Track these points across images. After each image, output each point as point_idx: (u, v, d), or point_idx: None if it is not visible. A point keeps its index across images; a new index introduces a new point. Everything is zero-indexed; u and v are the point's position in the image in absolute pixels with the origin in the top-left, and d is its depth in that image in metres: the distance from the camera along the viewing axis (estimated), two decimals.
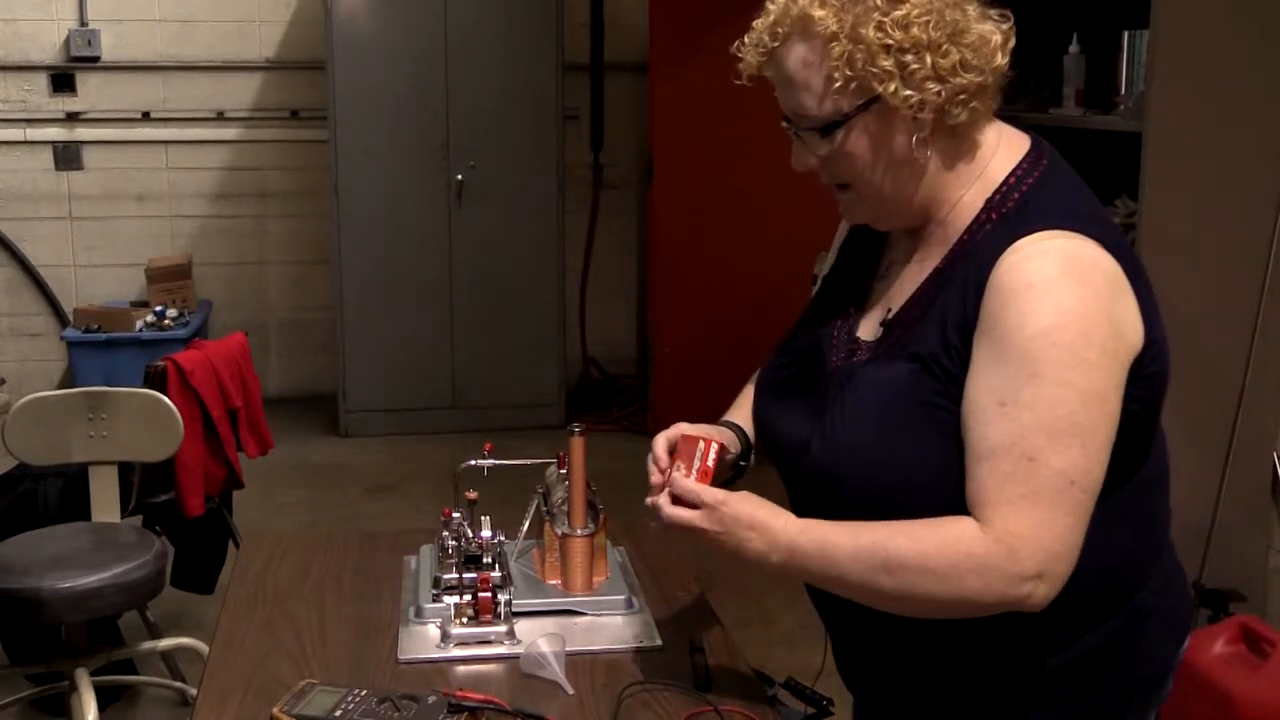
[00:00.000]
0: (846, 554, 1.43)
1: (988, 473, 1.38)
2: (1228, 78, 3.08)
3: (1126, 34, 3.41)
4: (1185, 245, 3.09)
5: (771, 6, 1.47)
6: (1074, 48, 3.63)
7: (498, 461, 2.07)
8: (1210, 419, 3.17)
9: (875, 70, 1.40)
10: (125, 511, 3.36)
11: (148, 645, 3.37)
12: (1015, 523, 1.35)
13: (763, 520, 1.50)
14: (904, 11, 1.40)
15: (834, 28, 1.40)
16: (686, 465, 1.58)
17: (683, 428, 1.64)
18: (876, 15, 1.40)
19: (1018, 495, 1.36)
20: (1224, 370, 3.15)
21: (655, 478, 1.61)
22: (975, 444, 1.39)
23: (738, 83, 1.54)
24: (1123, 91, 3.44)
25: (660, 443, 1.64)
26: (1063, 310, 1.36)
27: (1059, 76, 3.67)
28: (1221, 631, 2.86)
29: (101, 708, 3.05)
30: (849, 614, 1.56)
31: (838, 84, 1.42)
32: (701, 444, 1.58)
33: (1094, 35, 3.63)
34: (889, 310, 1.54)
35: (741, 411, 1.76)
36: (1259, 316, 3.14)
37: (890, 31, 1.39)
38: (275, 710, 1.61)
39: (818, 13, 1.41)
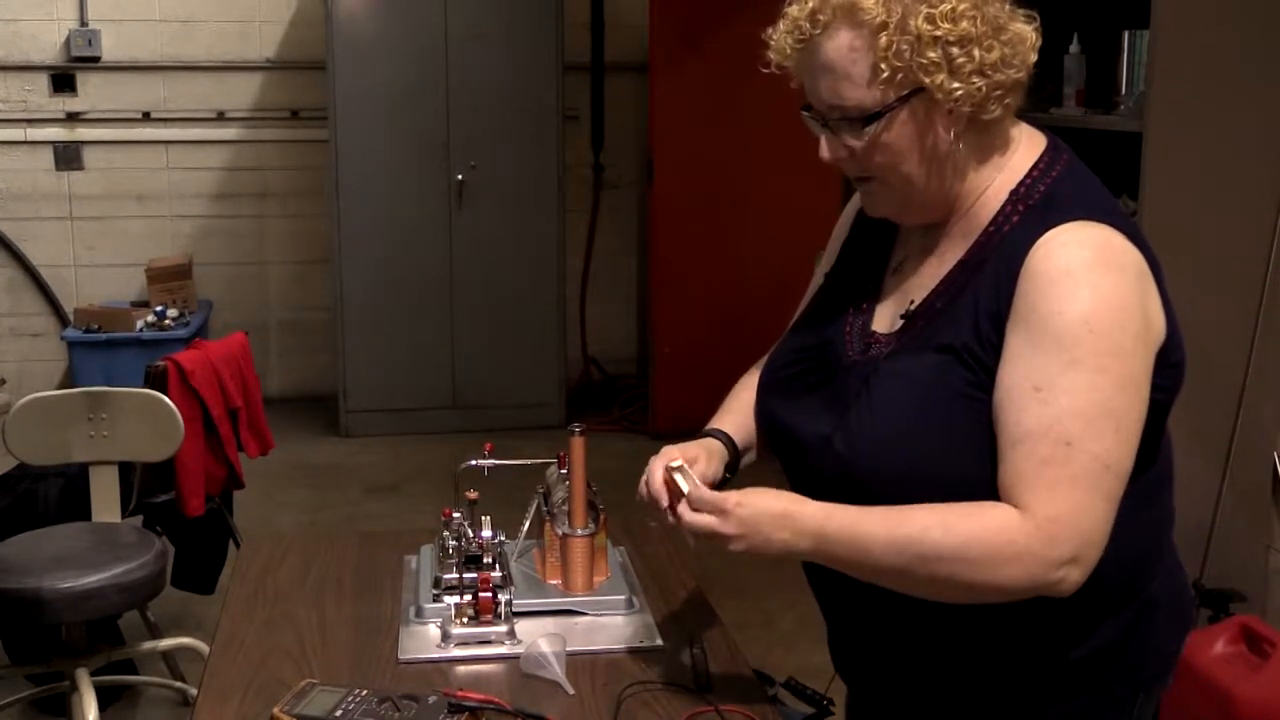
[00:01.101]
0: (880, 544, 1.41)
1: (1023, 456, 1.38)
2: (1228, 78, 3.08)
3: (1127, 34, 3.41)
4: (1185, 245, 3.08)
5: None
6: (1074, 48, 3.63)
7: (498, 461, 2.07)
8: (1210, 419, 3.16)
9: (923, 62, 1.41)
10: (125, 511, 3.36)
11: (148, 645, 3.37)
12: (1054, 508, 1.36)
13: (783, 510, 1.47)
14: (951, 5, 1.41)
15: (883, 17, 1.40)
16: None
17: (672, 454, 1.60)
18: (925, 7, 1.40)
19: (1055, 480, 1.36)
20: (1224, 370, 3.15)
21: (664, 500, 1.58)
22: (1010, 429, 1.39)
23: (764, 69, 1.53)
24: (1123, 91, 3.44)
25: (658, 470, 1.58)
26: (1100, 297, 1.37)
27: (1059, 76, 3.66)
28: (1222, 631, 2.86)
29: (102, 708, 3.05)
30: (852, 603, 1.55)
31: (884, 74, 1.42)
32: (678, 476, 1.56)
33: (1094, 35, 3.62)
34: (910, 303, 1.54)
35: (729, 417, 1.74)
36: (1259, 316, 3.14)
37: (939, 24, 1.40)
38: (276, 710, 1.61)
39: (865, 1, 1.41)
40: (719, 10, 5.29)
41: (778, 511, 1.47)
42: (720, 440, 1.70)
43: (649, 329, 5.97)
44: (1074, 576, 1.37)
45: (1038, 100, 3.70)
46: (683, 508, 1.53)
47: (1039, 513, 1.36)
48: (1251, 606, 3.13)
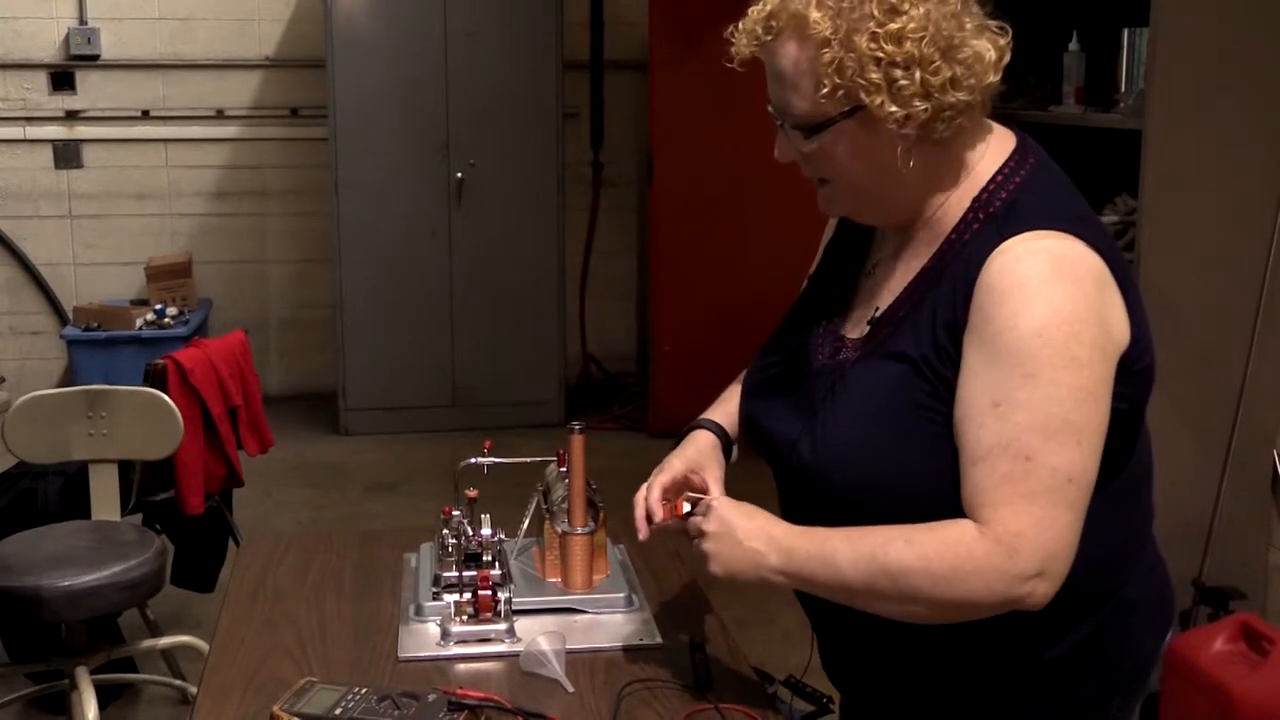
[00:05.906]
0: (846, 558, 1.43)
1: (984, 474, 1.37)
2: (1228, 76, 3.08)
3: (1126, 31, 3.42)
4: (1185, 244, 3.08)
5: None
6: (1074, 45, 3.63)
7: (498, 460, 2.07)
8: (1210, 418, 3.16)
9: (863, 82, 1.39)
10: (125, 510, 3.36)
11: (148, 643, 3.37)
12: (1015, 522, 1.35)
13: (758, 523, 1.51)
14: (899, 25, 1.38)
15: (828, 32, 1.39)
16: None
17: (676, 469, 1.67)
18: (871, 25, 1.38)
19: (1016, 495, 1.36)
20: (1224, 369, 3.14)
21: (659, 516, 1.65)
22: (970, 446, 1.39)
23: (728, 64, 1.52)
24: (1123, 89, 3.45)
25: (657, 489, 1.66)
26: (1055, 309, 1.36)
27: (1059, 74, 3.67)
28: (1221, 629, 2.86)
29: (102, 706, 3.05)
30: (836, 611, 1.56)
31: (825, 89, 1.41)
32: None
33: (1094, 33, 3.63)
34: (876, 309, 1.55)
35: (721, 408, 1.77)
36: (1259, 315, 3.14)
37: (883, 44, 1.38)
38: (275, 708, 1.61)
39: (814, 14, 1.40)
40: (719, 9, 5.27)
41: (753, 524, 1.51)
42: (711, 430, 1.73)
43: (649, 328, 5.97)
44: (1042, 590, 1.37)
45: (1037, 98, 3.72)
46: (654, 505, 1.61)
47: (999, 528, 1.36)
48: (1251, 604, 3.13)
